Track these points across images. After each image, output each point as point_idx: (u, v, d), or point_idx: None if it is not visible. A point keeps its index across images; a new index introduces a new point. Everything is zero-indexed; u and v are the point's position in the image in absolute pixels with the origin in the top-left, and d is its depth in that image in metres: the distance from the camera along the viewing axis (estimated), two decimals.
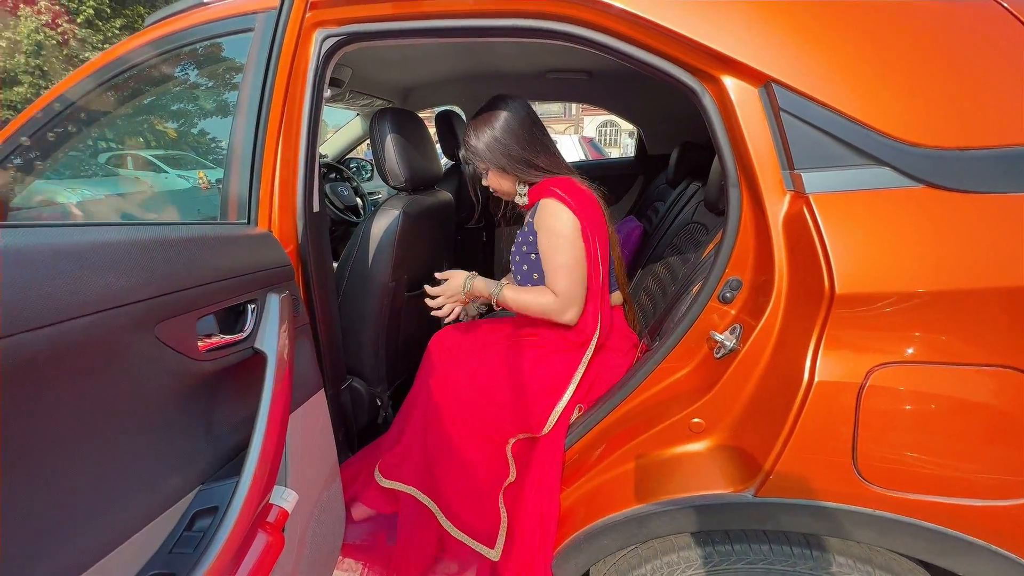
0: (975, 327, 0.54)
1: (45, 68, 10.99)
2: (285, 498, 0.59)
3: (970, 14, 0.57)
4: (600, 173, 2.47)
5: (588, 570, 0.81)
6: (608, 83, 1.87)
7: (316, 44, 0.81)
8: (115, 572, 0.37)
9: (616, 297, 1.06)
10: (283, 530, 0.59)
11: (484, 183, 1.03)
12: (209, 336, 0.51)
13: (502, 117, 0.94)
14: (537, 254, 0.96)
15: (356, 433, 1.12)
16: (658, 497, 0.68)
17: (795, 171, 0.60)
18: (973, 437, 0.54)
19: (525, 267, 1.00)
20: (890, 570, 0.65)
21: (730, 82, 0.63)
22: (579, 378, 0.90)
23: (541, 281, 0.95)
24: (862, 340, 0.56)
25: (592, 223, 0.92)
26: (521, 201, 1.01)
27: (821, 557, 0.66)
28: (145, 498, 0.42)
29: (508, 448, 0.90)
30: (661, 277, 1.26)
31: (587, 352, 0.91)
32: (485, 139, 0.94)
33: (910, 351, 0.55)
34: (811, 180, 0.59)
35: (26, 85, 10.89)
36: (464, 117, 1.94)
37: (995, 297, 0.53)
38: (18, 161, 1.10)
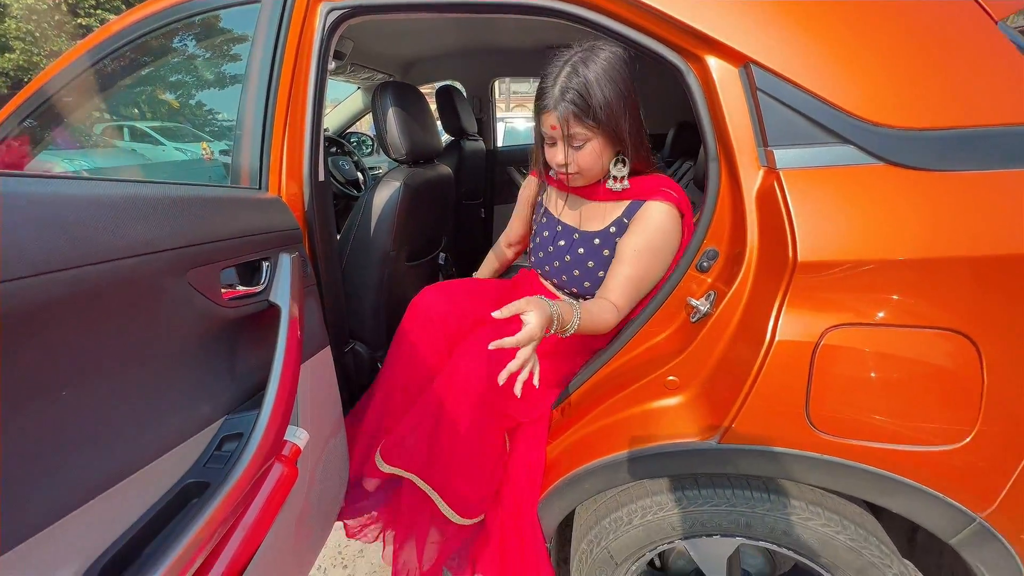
0: (925, 294, 0.60)
1: (37, 34, 10.70)
2: (298, 436, 0.66)
3: (936, 3, 0.61)
4: None
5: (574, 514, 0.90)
6: None
7: (321, 17, 0.84)
8: (161, 475, 0.44)
9: None
10: (296, 464, 0.66)
11: (562, 161, 0.79)
12: (231, 286, 0.57)
13: (615, 61, 0.73)
14: (613, 251, 0.82)
15: (359, 394, 1.19)
16: (633, 446, 0.75)
17: (768, 148, 0.64)
18: (914, 391, 0.61)
19: (591, 264, 0.86)
20: (839, 512, 0.73)
21: (712, 62, 0.67)
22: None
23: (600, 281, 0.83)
24: (819, 304, 0.62)
25: (687, 240, 0.82)
26: (618, 187, 0.81)
27: (777, 500, 0.73)
28: (181, 419, 0.48)
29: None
30: None
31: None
32: (607, 90, 0.71)
33: (863, 314, 0.61)
34: (782, 156, 0.63)
35: (18, 52, 10.63)
36: (464, 92, 1.95)
37: (946, 267, 0.58)
38: (21, 134, 1.13)
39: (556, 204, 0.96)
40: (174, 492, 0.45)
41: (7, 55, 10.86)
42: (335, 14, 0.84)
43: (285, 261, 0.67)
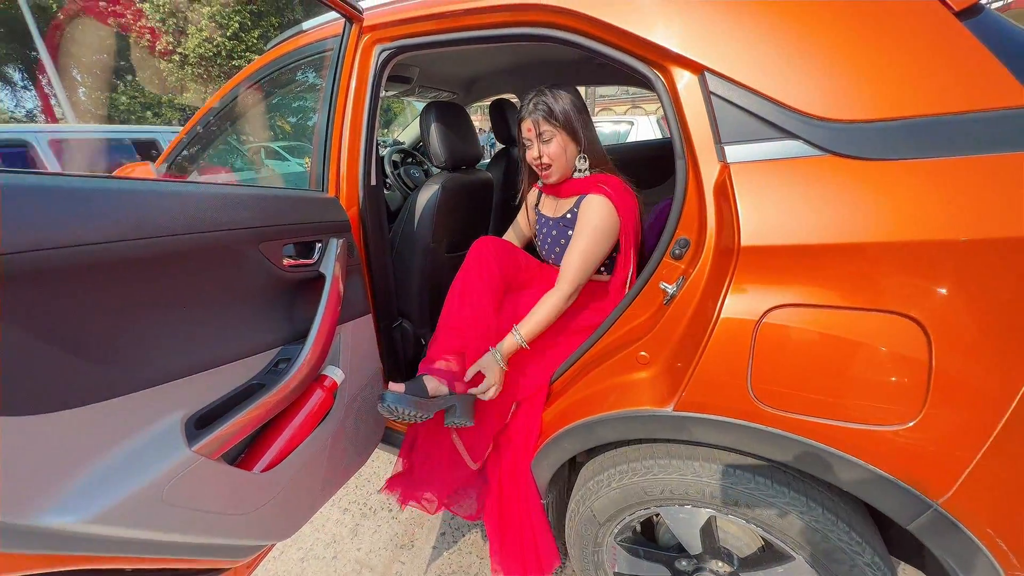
0: (870, 278, 0.62)
1: (205, 76, 13.28)
2: (335, 374, 0.88)
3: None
4: (651, 153, 2.51)
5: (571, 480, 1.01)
6: None
7: (376, 55, 1.08)
8: (238, 373, 0.68)
9: None
10: (333, 395, 0.88)
11: (536, 154, 1.05)
12: (292, 258, 0.80)
13: (571, 90, 1.04)
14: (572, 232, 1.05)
15: (405, 364, 1.42)
16: (603, 411, 0.85)
17: (722, 144, 0.71)
18: (856, 371, 0.63)
19: (563, 242, 1.11)
20: (806, 494, 0.75)
21: (676, 71, 0.76)
22: None
23: None
24: (764, 285, 0.67)
25: (629, 222, 1.02)
26: (581, 175, 1.06)
27: (742, 475, 0.78)
28: (252, 340, 0.72)
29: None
30: None
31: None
32: (563, 102, 1.01)
33: (806, 296, 0.65)
34: (733, 152, 0.70)
35: (191, 91, 13.31)
36: (518, 105, 2.13)
37: (892, 252, 0.61)
38: (187, 154, 1.56)
39: (544, 205, 1.25)
40: (244, 386, 0.69)
41: (185, 95, 13.72)
42: (386, 53, 1.07)
43: (333, 243, 0.90)
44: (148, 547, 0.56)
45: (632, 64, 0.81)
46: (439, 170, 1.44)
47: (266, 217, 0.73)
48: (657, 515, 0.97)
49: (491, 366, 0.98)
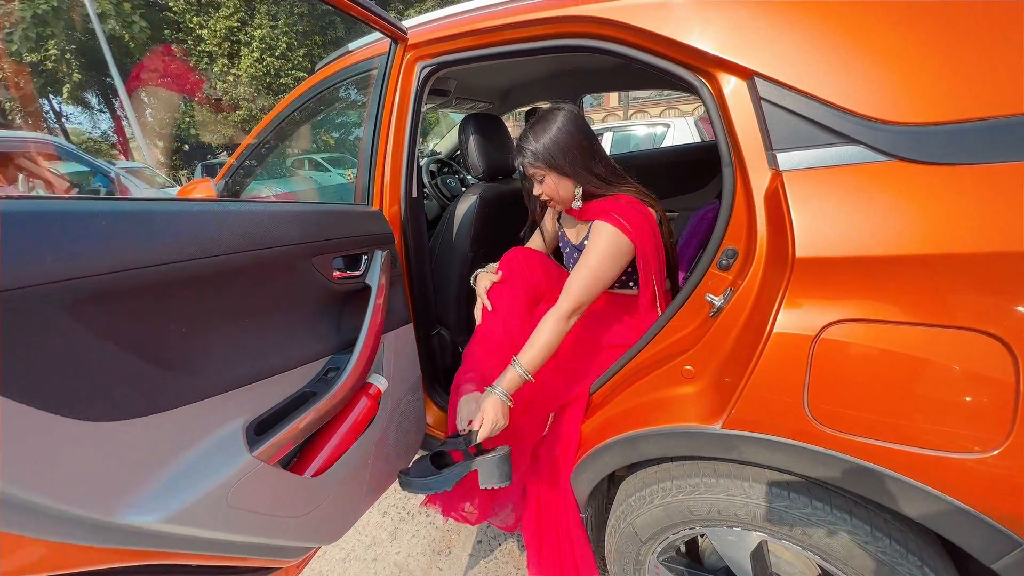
0: (943, 292, 0.58)
1: (255, 94, 14.16)
2: (379, 381, 0.90)
3: None
4: (689, 157, 2.44)
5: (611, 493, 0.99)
6: None
7: (417, 72, 1.11)
8: (292, 382, 0.72)
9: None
10: (378, 402, 0.91)
11: (537, 192, 1.05)
12: (340, 270, 0.84)
13: (559, 119, 0.98)
14: None
15: (443, 370, 1.44)
16: (647, 426, 0.83)
17: (774, 151, 0.69)
18: (928, 391, 0.58)
19: None
20: (870, 523, 0.70)
21: (723, 77, 0.74)
22: None
23: None
24: (822, 299, 0.64)
25: (647, 244, 0.97)
26: (577, 206, 1.04)
27: (796, 499, 0.74)
28: (303, 350, 0.76)
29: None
30: None
31: None
32: (544, 141, 0.97)
33: (871, 311, 0.61)
34: (785, 159, 0.67)
35: (243, 109, 14.22)
36: None
37: (968, 264, 0.56)
38: (244, 168, 1.67)
39: (566, 223, 1.22)
40: (297, 394, 0.72)
41: (238, 112, 14.71)
42: (427, 69, 1.11)
43: (378, 256, 0.93)
44: (213, 545, 0.60)
45: (676, 71, 0.80)
46: (476, 180, 1.46)
47: (318, 232, 0.77)
48: (703, 535, 0.93)
49: (488, 406, 0.88)
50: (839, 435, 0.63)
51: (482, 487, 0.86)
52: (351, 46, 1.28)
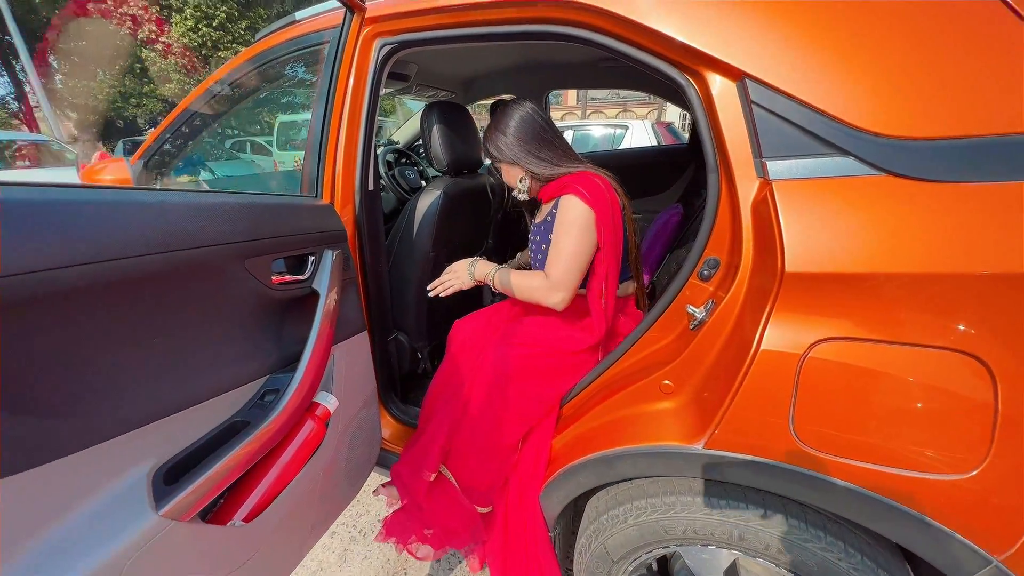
0: (930, 312, 0.56)
1: (188, 67, 12.92)
2: (328, 401, 0.79)
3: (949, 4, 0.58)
4: (653, 160, 2.46)
5: (584, 511, 0.94)
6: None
7: (375, 51, 0.99)
8: (217, 411, 0.59)
9: (630, 286, 1.14)
10: (326, 424, 0.79)
11: (502, 179, 1.14)
12: (280, 274, 0.71)
13: (510, 116, 1.04)
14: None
15: (399, 378, 1.33)
16: (624, 444, 0.78)
17: (763, 159, 0.65)
18: (913, 413, 0.57)
19: (540, 257, 1.08)
20: (843, 539, 0.69)
21: (711, 77, 0.69)
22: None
23: None
24: (810, 316, 0.61)
25: (605, 215, 0.97)
26: (520, 195, 1.11)
27: (773, 516, 0.72)
28: (234, 371, 0.63)
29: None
30: (683, 261, 1.31)
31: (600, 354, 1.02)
32: (496, 138, 1.06)
33: (859, 329, 0.59)
34: (776, 168, 0.64)
35: (175, 82, 12.92)
36: None
37: (954, 283, 0.55)
38: (169, 148, 1.45)
39: (536, 214, 1.22)
40: (224, 425, 0.60)
41: (168, 85, 13.32)
42: (387, 48, 0.99)
43: (328, 256, 0.81)
44: None
45: (660, 67, 0.75)
46: (439, 173, 1.36)
47: (255, 229, 0.64)
48: (674, 552, 0.91)
49: (462, 270, 1.13)
50: (824, 456, 0.61)
51: None
52: (298, 15, 1.13)
